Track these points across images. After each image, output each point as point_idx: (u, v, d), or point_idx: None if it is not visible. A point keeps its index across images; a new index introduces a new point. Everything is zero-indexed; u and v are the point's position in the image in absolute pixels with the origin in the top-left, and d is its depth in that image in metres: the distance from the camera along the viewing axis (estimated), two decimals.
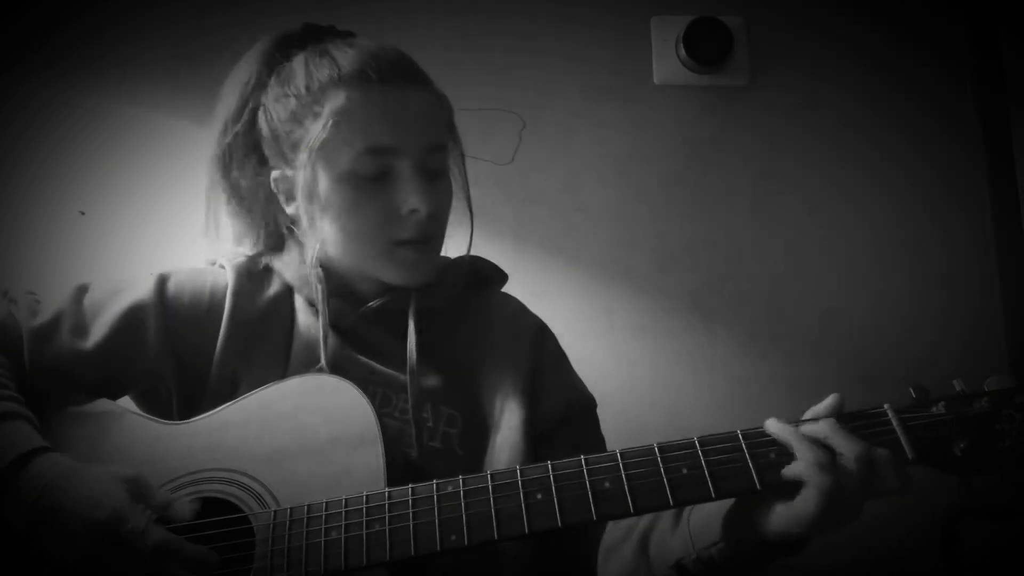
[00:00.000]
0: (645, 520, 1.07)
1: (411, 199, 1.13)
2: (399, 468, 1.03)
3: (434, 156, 1.16)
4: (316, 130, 1.14)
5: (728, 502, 0.96)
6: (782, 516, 0.92)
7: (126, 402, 1.17)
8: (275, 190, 1.21)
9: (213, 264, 1.26)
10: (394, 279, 1.18)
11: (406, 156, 1.13)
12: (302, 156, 1.15)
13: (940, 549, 1.39)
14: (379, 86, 1.14)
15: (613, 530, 1.11)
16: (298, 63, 1.19)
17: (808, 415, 0.98)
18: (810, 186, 1.88)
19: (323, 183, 1.15)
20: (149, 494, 0.98)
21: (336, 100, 1.14)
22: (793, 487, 0.92)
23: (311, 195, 1.16)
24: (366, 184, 1.13)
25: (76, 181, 1.74)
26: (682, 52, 1.85)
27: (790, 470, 0.91)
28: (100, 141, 1.76)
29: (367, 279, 1.21)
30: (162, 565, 0.92)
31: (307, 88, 1.15)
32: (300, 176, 1.16)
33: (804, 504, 0.90)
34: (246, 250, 1.25)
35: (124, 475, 0.98)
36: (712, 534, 0.97)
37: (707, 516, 0.99)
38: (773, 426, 0.95)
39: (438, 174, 1.17)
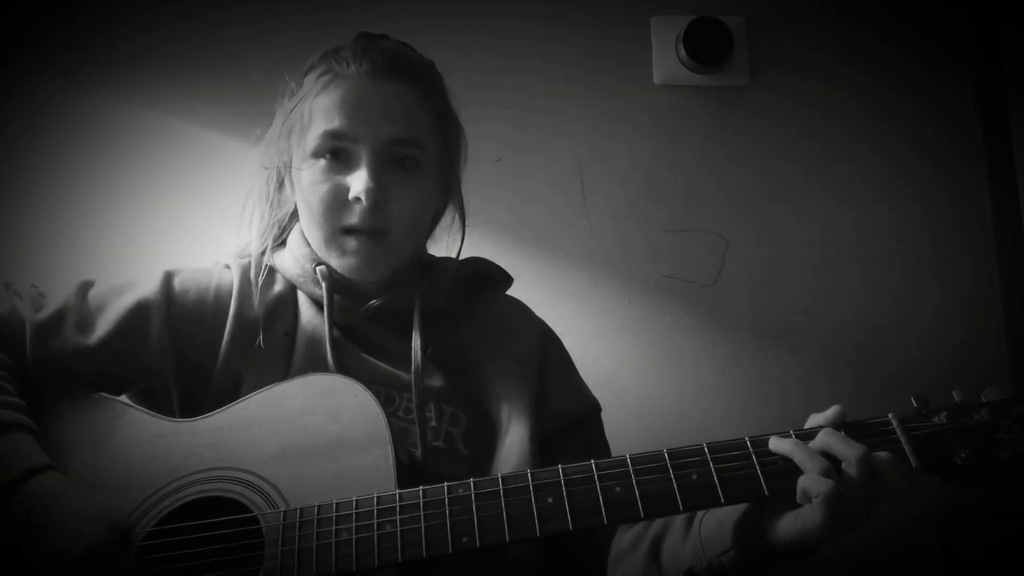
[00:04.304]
0: (655, 528, 1.08)
1: (356, 185, 1.14)
2: (403, 467, 1.03)
3: (400, 149, 1.17)
4: (289, 105, 1.21)
5: (739, 509, 0.98)
6: (790, 526, 0.94)
7: (124, 400, 1.16)
8: (284, 176, 1.25)
9: (218, 263, 1.26)
10: (340, 267, 1.19)
11: (363, 143, 1.15)
12: (282, 133, 1.23)
13: (940, 551, 1.41)
14: (352, 74, 1.18)
15: (621, 538, 1.12)
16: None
17: (809, 423, 0.99)
18: (810, 186, 1.88)
19: (295, 162, 1.21)
20: (128, 550, 0.97)
21: (309, 81, 1.21)
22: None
23: (288, 173, 1.23)
24: (327, 166, 1.17)
25: (77, 180, 1.73)
26: (682, 52, 1.85)
27: (798, 485, 0.93)
28: (100, 140, 1.75)
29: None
30: None
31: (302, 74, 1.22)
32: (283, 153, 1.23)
33: (811, 513, 0.91)
34: (254, 248, 1.26)
35: (116, 520, 0.97)
36: (723, 542, 0.98)
37: (718, 524, 1.00)
38: (776, 444, 0.96)
39: (404, 168, 1.18)
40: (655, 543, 1.07)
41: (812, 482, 0.91)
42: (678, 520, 1.05)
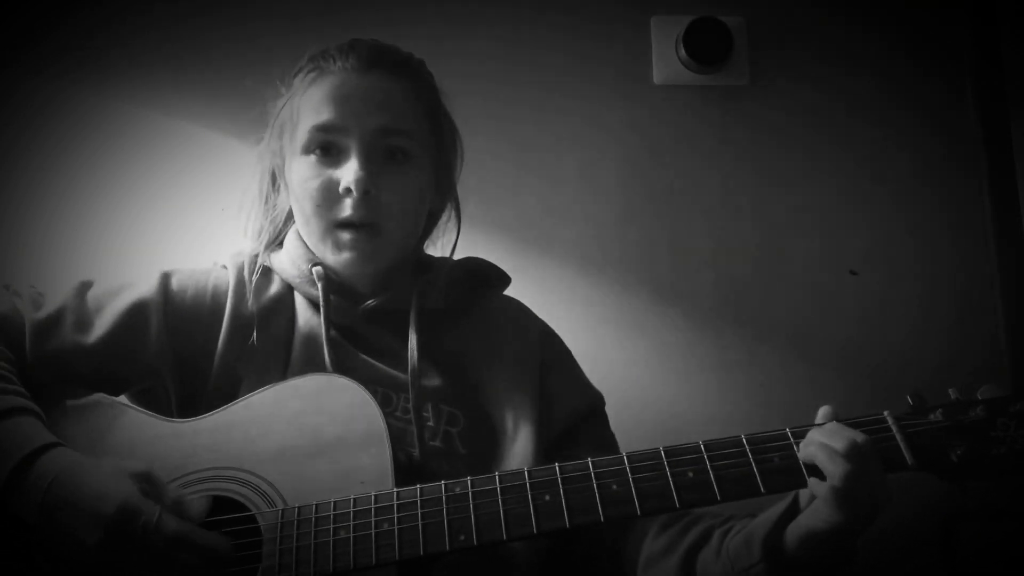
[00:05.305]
0: (692, 537, 1.08)
1: (346, 176, 1.14)
2: (401, 467, 1.04)
3: (389, 140, 1.17)
4: (279, 106, 1.22)
5: (768, 523, 0.98)
6: (796, 533, 0.95)
7: (123, 401, 1.16)
8: (278, 177, 1.26)
9: (216, 264, 1.27)
10: (336, 262, 1.18)
11: (352, 135, 1.16)
12: (273, 133, 1.24)
13: (938, 550, 1.41)
14: (338, 69, 1.18)
15: (654, 542, 1.12)
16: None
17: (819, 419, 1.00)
18: (810, 186, 1.88)
19: (287, 162, 1.21)
20: (160, 490, 0.98)
21: (297, 81, 1.21)
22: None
23: (282, 174, 1.23)
24: (317, 162, 1.17)
25: (77, 180, 1.73)
26: (682, 52, 1.85)
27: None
28: (100, 140, 1.75)
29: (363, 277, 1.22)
30: (177, 556, 0.93)
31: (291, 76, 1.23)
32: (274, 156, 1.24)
33: (812, 514, 0.92)
34: (249, 249, 1.26)
35: (134, 470, 0.98)
36: (752, 556, 0.98)
37: (747, 538, 1.00)
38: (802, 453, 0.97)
39: (395, 159, 1.17)
40: (689, 553, 1.07)
41: (812, 482, 0.93)
42: (716, 533, 1.05)
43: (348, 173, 1.14)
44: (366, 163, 1.15)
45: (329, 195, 1.15)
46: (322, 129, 1.16)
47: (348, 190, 1.14)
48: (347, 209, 1.15)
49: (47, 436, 1.01)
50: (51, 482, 0.96)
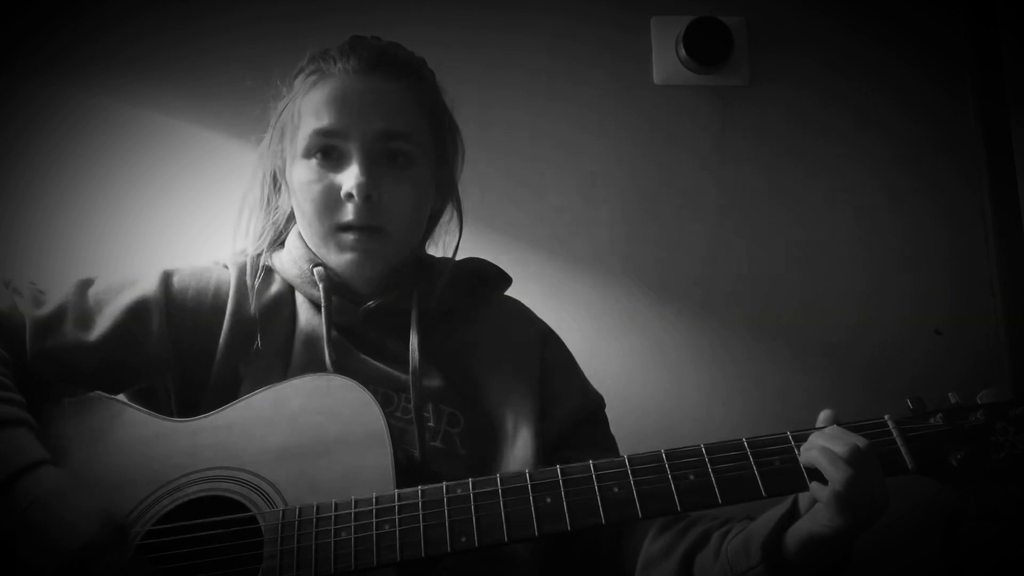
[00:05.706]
0: (690, 538, 1.08)
1: (347, 182, 1.14)
2: (402, 468, 1.03)
3: (390, 143, 1.16)
4: (280, 107, 1.22)
5: (767, 526, 0.99)
6: (796, 536, 0.95)
7: (123, 399, 1.16)
8: (279, 178, 1.25)
9: (216, 263, 1.26)
10: (338, 267, 1.18)
11: (353, 140, 1.15)
12: (275, 135, 1.23)
13: (938, 554, 1.42)
14: (339, 71, 1.18)
15: (652, 544, 1.12)
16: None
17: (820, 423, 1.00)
18: (810, 186, 1.89)
19: (288, 164, 1.21)
20: (127, 543, 0.97)
21: (298, 83, 1.21)
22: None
23: (283, 175, 1.23)
24: (318, 166, 1.17)
25: (77, 180, 1.74)
26: (682, 52, 1.86)
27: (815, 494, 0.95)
28: (100, 140, 1.75)
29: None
30: None
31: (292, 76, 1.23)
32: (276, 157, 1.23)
33: (813, 517, 0.93)
34: (251, 250, 1.26)
35: (110, 516, 0.97)
36: (751, 558, 0.99)
37: (746, 540, 1.00)
38: (803, 457, 0.97)
39: (396, 163, 1.17)
40: (688, 555, 1.07)
41: (814, 487, 0.94)
42: (714, 536, 1.06)
43: (350, 178, 1.14)
44: (367, 167, 1.14)
45: (331, 199, 1.15)
46: (323, 134, 1.16)
47: (350, 195, 1.14)
48: (349, 214, 1.15)
49: (36, 453, 1.00)
50: (32, 503, 0.95)
